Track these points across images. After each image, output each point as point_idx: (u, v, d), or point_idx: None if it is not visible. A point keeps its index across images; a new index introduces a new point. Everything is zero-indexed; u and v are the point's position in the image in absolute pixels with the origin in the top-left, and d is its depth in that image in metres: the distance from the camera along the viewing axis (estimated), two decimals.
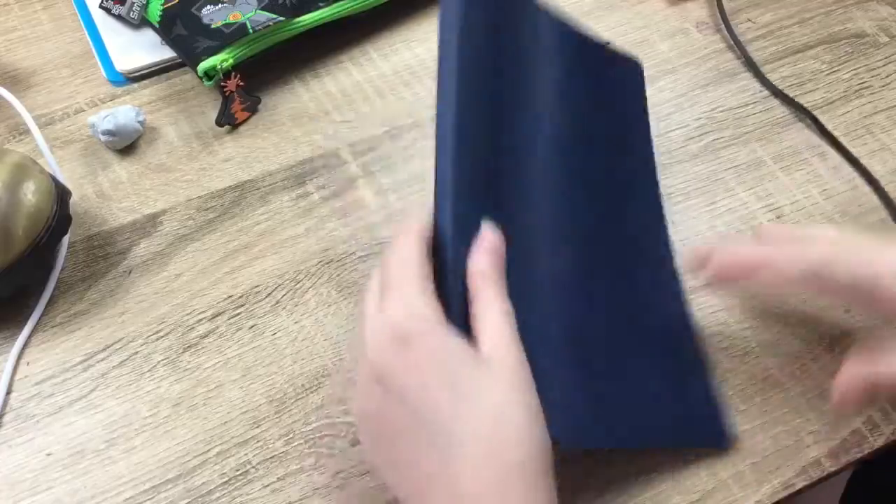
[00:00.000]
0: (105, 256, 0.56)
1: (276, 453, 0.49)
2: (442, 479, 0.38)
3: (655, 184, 0.56)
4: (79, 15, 0.66)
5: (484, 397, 0.38)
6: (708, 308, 0.54)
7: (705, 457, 0.49)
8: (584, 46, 0.55)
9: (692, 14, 0.67)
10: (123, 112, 0.59)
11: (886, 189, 0.59)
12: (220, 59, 0.59)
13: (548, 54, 0.51)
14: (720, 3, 0.67)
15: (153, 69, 0.64)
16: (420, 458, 0.39)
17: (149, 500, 0.48)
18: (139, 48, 0.63)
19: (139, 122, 0.59)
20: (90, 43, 0.64)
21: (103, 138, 0.59)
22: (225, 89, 0.60)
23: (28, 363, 0.52)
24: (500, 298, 0.41)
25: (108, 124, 0.58)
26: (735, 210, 0.58)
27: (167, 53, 0.63)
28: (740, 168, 0.60)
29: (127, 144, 0.60)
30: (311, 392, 0.51)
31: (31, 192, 0.51)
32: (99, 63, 0.63)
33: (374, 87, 0.64)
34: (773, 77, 0.64)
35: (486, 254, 0.42)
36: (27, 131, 0.60)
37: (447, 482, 0.38)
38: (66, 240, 0.55)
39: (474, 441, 0.38)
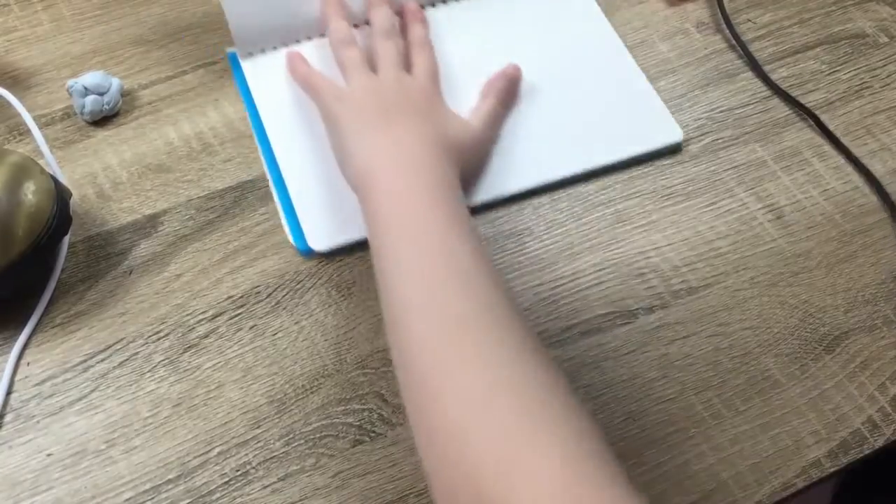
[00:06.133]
0: (105, 257, 0.56)
1: (276, 454, 0.49)
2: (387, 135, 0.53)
3: None
4: (270, 179, 0.58)
5: (446, 117, 0.56)
6: (708, 308, 0.54)
7: (705, 457, 0.49)
8: None
9: (692, 14, 0.67)
10: (97, 76, 0.60)
11: (887, 190, 0.59)
12: None
13: None
14: (721, 4, 0.67)
15: (344, 246, 0.56)
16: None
17: (149, 500, 0.48)
18: (332, 223, 0.56)
19: (114, 85, 0.60)
20: (279, 208, 0.57)
21: (80, 101, 0.60)
22: None
23: (28, 363, 0.52)
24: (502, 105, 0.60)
25: (86, 81, 0.59)
26: (735, 210, 0.58)
27: (361, 232, 0.54)
28: (740, 168, 0.60)
29: (108, 114, 0.60)
30: (312, 392, 0.51)
31: (31, 192, 0.51)
32: (287, 230, 0.56)
33: None
34: (772, 77, 0.64)
35: (504, 78, 0.60)
36: (27, 131, 0.60)
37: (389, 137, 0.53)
38: (66, 240, 0.55)
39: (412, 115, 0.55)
